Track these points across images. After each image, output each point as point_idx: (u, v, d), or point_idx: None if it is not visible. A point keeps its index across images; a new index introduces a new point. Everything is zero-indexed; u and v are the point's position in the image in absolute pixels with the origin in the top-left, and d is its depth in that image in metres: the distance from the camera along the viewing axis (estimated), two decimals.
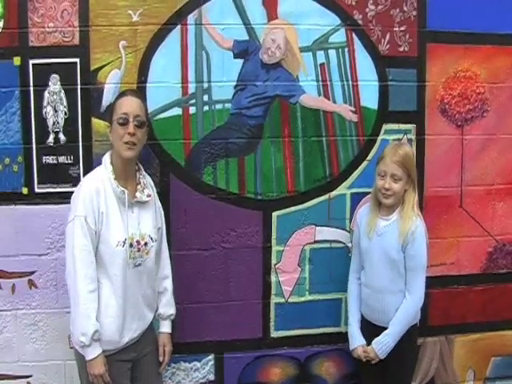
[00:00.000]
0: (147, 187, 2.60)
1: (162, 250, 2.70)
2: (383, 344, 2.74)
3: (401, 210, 2.77)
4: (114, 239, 2.45)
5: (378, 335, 2.77)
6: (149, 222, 2.57)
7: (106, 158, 2.55)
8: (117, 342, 2.47)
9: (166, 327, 2.72)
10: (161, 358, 2.68)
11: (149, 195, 2.57)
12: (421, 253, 2.75)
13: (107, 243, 2.44)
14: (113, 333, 2.45)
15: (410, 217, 2.74)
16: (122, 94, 2.60)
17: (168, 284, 2.72)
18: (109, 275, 2.46)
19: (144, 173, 2.65)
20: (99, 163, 2.61)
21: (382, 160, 2.76)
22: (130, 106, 2.49)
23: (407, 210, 2.76)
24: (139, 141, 2.50)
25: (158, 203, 2.70)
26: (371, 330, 2.82)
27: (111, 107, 2.59)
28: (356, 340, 2.85)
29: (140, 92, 2.79)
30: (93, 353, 2.40)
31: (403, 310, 2.75)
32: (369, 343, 2.80)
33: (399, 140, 3.06)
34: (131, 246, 2.47)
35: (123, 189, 2.47)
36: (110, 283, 2.46)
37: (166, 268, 2.72)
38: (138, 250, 2.50)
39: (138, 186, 2.56)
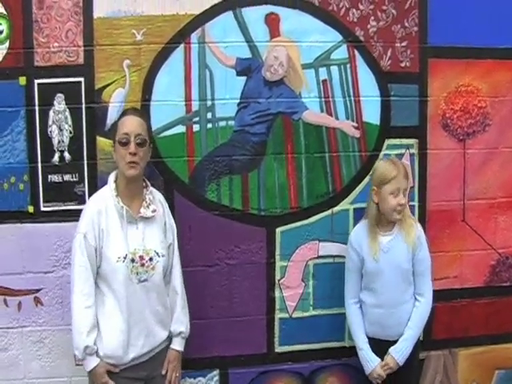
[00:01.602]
0: (154, 203, 2.60)
1: (173, 266, 2.69)
2: (403, 350, 2.76)
3: (401, 222, 2.80)
4: (115, 255, 2.48)
5: (387, 350, 2.78)
6: (155, 237, 2.57)
7: (111, 177, 2.59)
8: (121, 358, 2.48)
9: (175, 344, 2.67)
10: (163, 372, 2.63)
11: (154, 211, 2.57)
12: (427, 255, 2.84)
13: (108, 259, 2.48)
14: (116, 347, 2.47)
15: (411, 224, 2.82)
16: (123, 114, 2.63)
17: (178, 300, 2.68)
18: (112, 290, 2.49)
19: (152, 189, 2.66)
20: (104, 181, 2.65)
21: (393, 179, 2.73)
22: (130, 125, 2.51)
23: (407, 218, 2.82)
24: (141, 159, 2.52)
25: (170, 220, 2.70)
26: (382, 347, 2.80)
27: (114, 126, 2.62)
28: (373, 361, 2.80)
29: (144, 110, 2.82)
30: (89, 365, 2.45)
31: (418, 313, 2.79)
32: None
33: (402, 155, 3.10)
34: (133, 261, 2.48)
35: (123, 205, 2.50)
36: (114, 298, 2.49)
37: (177, 284, 2.69)
38: (142, 265, 2.51)
39: (144, 202, 2.57)
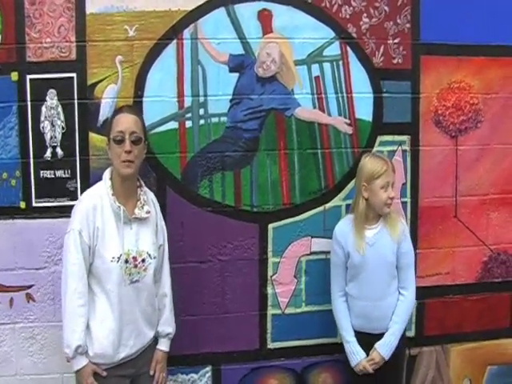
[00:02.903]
0: (148, 204, 2.59)
1: (162, 268, 2.69)
2: (389, 344, 2.78)
3: (386, 215, 2.83)
4: (109, 254, 2.46)
5: (373, 343, 2.81)
6: (148, 238, 2.57)
7: (106, 174, 2.56)
8: (111, 357, 2.48)
9: (162, 345, 2.70)
10: (151, 372, 2.64)
11: (148, 212, 2.56)
12: (411, 248, 2.90)
13: (102, 258, 2.46)
14: (107, 347, 2.46)
15: (396, 218, 2.87)
16: (118, 111, 2.61)
17: (167, 302, 2.70)
18: (105, 290, 2.47)
19: (146, 189, 2.65)
20: (96, 177, 2.65)
21: (384, 174, 2.77)
22: (125, 122, 2.49)
23: (392, 213, 2.86)
24: (136, 157, 2.50)
25: (162, 222, 2.70)
26: (368, 340, 2.83)
27: (109, 124, 2.59)
28: (358, 354, 2.83)
29: (136, 106, 2.81)
30: (78, 364, 2.44)
31: (403, 307, 2.82)
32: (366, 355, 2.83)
33: (394, 151, 3.12)
34: (127, 261, 2.47)
35: (119, 205, 2.48)
36: (106, 298, 2.47)
37: (166, 286, 2.70)
38: (135, 267, 2.50)
39: (138, 203, 2.56)
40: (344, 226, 2.91)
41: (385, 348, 2.79)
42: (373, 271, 2.80)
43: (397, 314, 2.82)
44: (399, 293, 2.86)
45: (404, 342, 2.92)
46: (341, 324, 2.91)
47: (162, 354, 2.70)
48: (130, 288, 2.50)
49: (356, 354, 2.83)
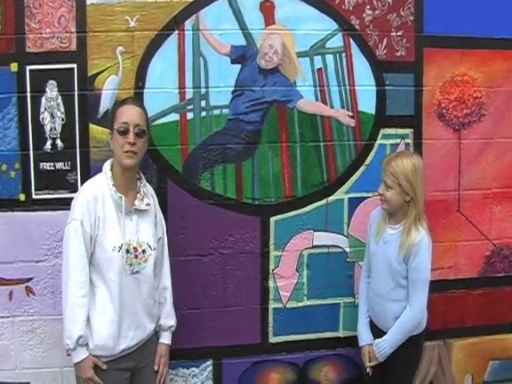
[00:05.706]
0: (147, 196, 2.58)
1: (163, 261, 2.69)
2: (381, 348, 2.74)
3: (404, 222, 2.74)
4: (110, 244, 2.45)
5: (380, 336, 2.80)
6: (148, 230, 2.56)
7: (107, 165, 2.55)
8: (111, 349, 2.46)
9: (165, 338, 2.70)
10: (155, 367, 2.65)
11: (148, 204, 2.55)
12: (423, 267, 2.71)
13: (103, 248, 2.44)
14: (107, 338, 2.44)
15: (410, 231, 2.70)
16: (122, 102, 2.58)
17: (168, 295, 2.71)
18: (105, 280, 2.46)
19: (145, 182, 2.64)
20: (97, 169, 2.62)
21: None
22: (130, 114, 2.47)
23: (409, 223, 2.71)
24: (140, 149, 2.49)
25: (160, 214, 2.69)
26: (376, 332, 2.82)
27: (112, 115, 2.56)
28: (363, 339, 2.85)
29: (138, 98, 2.78)
30: (78, 356, 2.41)
31: (402, 321, 2.73)
32: None
33: (397, 144, 3.10)
34: (127, 251, 2.46)
35: (121, 195, 2.47)
36: (107, 288, 2.46)
37: (167, 279, 2.71)
38: (136, 257, 2.49)
39: (138, 195, 2.55)
40: (378, 210, 2.88)
41: (377, 349, 2.75)
42: (379, 267, 2.79)
43: (395, 324, 2.73)
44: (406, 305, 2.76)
45: (415, 343, 2.79)
46: (358, 303, 2.96)
47: (166, 347, 2.70)
48: (131, 279, 2.48)
49: (360, 339, 2.86)
